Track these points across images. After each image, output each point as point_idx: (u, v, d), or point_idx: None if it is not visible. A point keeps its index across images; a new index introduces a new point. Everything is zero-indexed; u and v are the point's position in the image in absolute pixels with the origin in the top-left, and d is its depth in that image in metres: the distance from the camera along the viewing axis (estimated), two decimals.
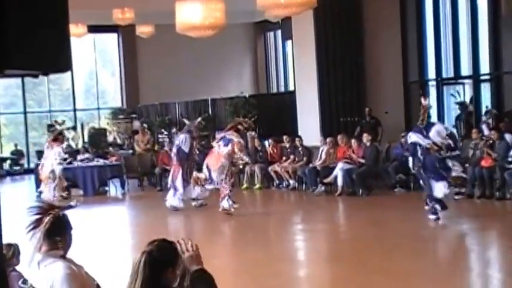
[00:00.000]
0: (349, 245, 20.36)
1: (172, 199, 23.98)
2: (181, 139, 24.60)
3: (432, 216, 20.08)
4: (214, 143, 24.33)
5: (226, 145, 23.41)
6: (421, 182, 20.90)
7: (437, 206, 20.02)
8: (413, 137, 21.16)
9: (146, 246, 6.82)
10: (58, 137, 30.79)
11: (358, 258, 17.84)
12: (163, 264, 6.75)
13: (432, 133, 20.09)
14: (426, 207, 20.38)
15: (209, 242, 20.37)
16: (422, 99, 24.31)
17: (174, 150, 24.82)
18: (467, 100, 30.06)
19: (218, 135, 25.00)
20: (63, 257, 8.73)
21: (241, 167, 25.84)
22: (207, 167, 23.68)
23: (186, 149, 24.22)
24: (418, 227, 20.44)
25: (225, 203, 22.67)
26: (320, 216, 24.62)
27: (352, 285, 14.31)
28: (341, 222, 24.53)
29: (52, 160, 27.67)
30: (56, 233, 8.68)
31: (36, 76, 4.40)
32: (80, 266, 8.82)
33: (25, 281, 8.92)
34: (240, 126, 24.30)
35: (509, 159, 24.14)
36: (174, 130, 35.30)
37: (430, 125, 20.64)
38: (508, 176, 23.78)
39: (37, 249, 8.77)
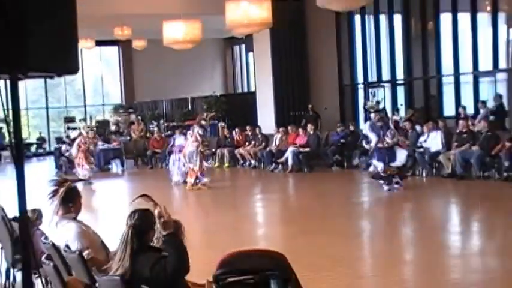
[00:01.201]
0: (298, 210, 20.38)
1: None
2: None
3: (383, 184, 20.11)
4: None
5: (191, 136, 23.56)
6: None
7: (380, 179, 20.07)
8: (367, 128, 21.30)
9: (128, 218, 6.83)
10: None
11: (304, 220, 17.83)
12: (145, 230, 6.77)
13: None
14: (380, 181, 20.39)
15: (186, 208, 20.45)
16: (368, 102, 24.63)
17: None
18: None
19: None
20: (75, 219, 8.75)
21: (207, 151, 25.49)
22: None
23: None
24: (351, 196, 20.51)
25: (191, 180, 22.75)
26: (275, 188, 24.63)
27: (300, 242, 14.26)
28: (291, 192, 24.57)
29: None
30: (69, 200, 8.75)
31: (52, 77, 4.38)
32: (88, 226, 8.88)
33: (46, 238, 8.87)
34: (202, 122, 24.49)
35: (419, 144, 24.24)
36: (162, 121, 35.15)
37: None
38: (418, 156, 23.90)
39: (55, 213, 8.80)
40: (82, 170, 26.33)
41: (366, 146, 22.12)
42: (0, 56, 3.99)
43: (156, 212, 6.89)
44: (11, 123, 4.21)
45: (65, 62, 4.14)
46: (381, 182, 20.37)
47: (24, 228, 4.73)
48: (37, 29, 3.95)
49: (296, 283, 6.07)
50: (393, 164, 20.13)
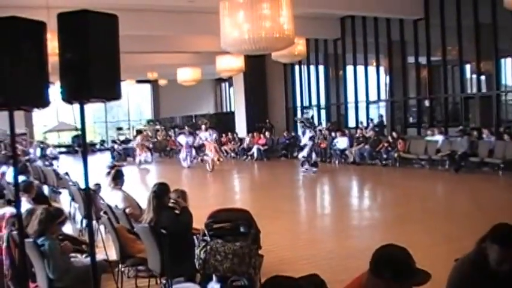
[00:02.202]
0: (259, 185, 20.49)
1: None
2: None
3: (313, 169, 20.07)
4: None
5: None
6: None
7: (312, 166, 20.07)
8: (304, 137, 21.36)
9: (152, 187, 6.94)
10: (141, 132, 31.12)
11: (263, 189, 17.96)
12: (161, 194, 6.81)
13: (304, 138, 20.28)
14: (306, 166, 20.39)
15: (191, 182, 20.44)
16: (298, 118, 24.71)
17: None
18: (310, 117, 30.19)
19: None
20: (121, 189, 8.81)
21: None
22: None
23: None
24: (295, 177, 20.54)
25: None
26: (245, 170, 24.66)
27: (258, 205, 14.31)
28: (255, 173, 24.56)
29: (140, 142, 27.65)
30: (117, 177, 8.80)
31: (104, 102, 4.42)
32: (129, 193, 8.93)
33: (104, 200, 8.95)
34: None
35: (333, 144, 24.38)
36: (176, 130, 35.07)
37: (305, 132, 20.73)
38: (333, 152, 24.02)
39: (109, 185, 8.85)
40: (141, 156, 26.86)
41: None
42: (73, 89, 4.08)
43: (174, 195, 7.05)
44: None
45: (112, 92, 4.19)
46: (305, 167, 20.46)
47: (88, 195, 4.82)
48: (95, 72, 4.00)
49: (256, 228, 6.16)
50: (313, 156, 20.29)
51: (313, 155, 20.77)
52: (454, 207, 13.57)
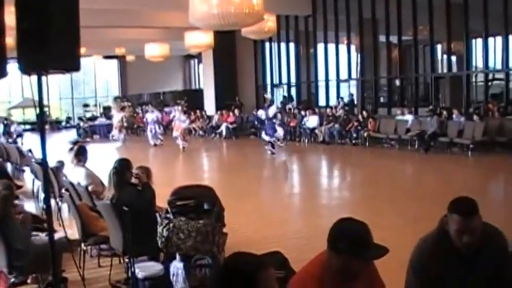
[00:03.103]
0: (227, 164, 20.48)
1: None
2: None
3: (271, 150, 20.07)
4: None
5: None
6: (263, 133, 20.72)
7: (271, 147, 20.06)
8: (260, 112, 21.22)
9: (114, 163, 6.90)
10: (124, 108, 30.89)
11: (231, 167, 17.94)
12: (123, 172, 6.73)
13: (270, 110, 20.09)
14: (266, 147, 20.36)
15: (157, 159, 20.32)
16: (265, 95, 24.62)
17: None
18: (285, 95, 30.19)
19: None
20: (84, 165, 8.70)
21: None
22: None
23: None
24: (263, 156, 20.53)
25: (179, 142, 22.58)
26: (213, 149, 24.61)
27: (226, 184, 14.32)
28: (223, 152, 24.52)
29: (117, 119, 27.49)
30: (80, 154, 8.68)
31: (63, 73, 4.33)
32: (92, 171, 8.82)
33: (66, 177, 8.85)
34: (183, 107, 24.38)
35: (303, 123, 24.42)
36: (144, 107, 34.81)
37: (269, 106, 20.57)
38: (302, 130, 24.08)
39: (71, 161, 8.75)
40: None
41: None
42: (30, 60, 3.99)
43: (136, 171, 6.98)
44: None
45: (72, 64, 4.10)
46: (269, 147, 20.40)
47: (45, 171, 4.75)
48: (55, 43, 3.91)
49: (219, 205, 6.13)
50: (276, 135, 20.21)
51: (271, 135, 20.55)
52: (423, 187, 13.68)
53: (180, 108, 24.23)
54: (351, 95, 26.72)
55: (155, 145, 24.84)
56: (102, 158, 16.43)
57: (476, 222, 3.44)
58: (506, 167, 16.36)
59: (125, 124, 28.65)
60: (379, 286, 3.53)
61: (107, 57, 38.63)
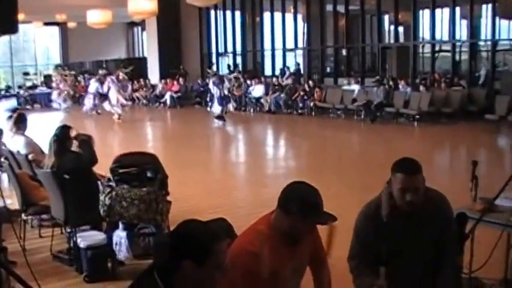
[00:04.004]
0: (171, 134, 20.39)
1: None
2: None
3: (220, 122, 19.98)
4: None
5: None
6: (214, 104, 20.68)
7: (220, 119, 20.03)
8: (211, 84, 21.12)
9: (54, 130, 6.82)
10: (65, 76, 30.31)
11: (175, 137, 17.84)
12: (63, 138, 6.67)
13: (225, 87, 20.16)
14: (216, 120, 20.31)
15: (98, 127, 20.09)
16: (209, 70, 24.62)
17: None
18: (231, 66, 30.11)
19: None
20: (23, 134, 8.56)
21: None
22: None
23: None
24: (209, 125, 20.50)
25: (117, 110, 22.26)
26: (157, 118, 24.48)
27: (170, 154, 14.26)
28: (168, 121, 24.41)
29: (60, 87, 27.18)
30: (19, 122, 8.53)
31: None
32: (32, 138, 8.69)
33: (5, 145, 8.69)
34: (120, 75, 23.85)
35: (248, 92, 24.44)
36: (86, 75, 34.23)
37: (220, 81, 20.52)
38: (248, 100, 24.11)
39: (10, 130, 8.60)
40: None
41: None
42: None
43: (74, 131, 6.88)
44: None
45: (7, 25, 3.99)
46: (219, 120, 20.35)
47: None
48: None
49: (163, 172, 6.12)
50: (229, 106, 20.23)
51: (220, 106, 20.49)
52: (369, 157, 13.88)
53: (121, 76, 23.89)
54: (297, 64, 26.82)
55: (98, 113, 24.48)
56: (43, 127, 16.12)
57: (419, 180, 3.53)
58: (451, 137, 16.72)
59: (67, 93, 28.16)
60: (321, 253, 3.62)
61: (47, 23, 37.81)
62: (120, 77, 23.81)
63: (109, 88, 23.04)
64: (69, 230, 6.51)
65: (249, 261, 3.11)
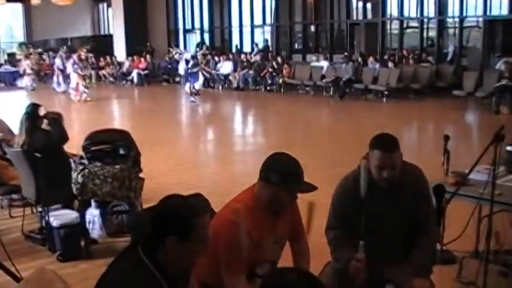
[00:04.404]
0: (139, 111, 20.25)
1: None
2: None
3: (192, 99, 19.88)
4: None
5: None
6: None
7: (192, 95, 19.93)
8: (183, 61, 21.00)
9: (25, 108, 6.77)
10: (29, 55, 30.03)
11: (143, 118, 17.74)
12: (35, 117, 6.61)
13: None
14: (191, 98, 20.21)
15: (68, 106, 19.93)
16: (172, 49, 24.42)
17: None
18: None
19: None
20: None
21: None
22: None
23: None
24: (177, 102, 20.41)
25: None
26: (124, 96, 24.25)
27: (138, 132, 14.14)
28: (135, 98, 24.23)
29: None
30: None
31: None
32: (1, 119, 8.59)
33: None
34: (82, 54, 23.44)
35: (216, 69, 24.41)
36: (51, 53, 33.79)
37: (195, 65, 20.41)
38: (216, 77, 24.06)
39: None
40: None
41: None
42: None
43: (43, 109, 6.82)
44: None
45: None
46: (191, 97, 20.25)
47: None
48: None
49: (136, 150, 6.10)
50: (196, 85, 20.09)
51: (193, 83, 20.40)
52: (338, 133, 14.00)
53: (82, 54, 23.54)
54: (266, 40, 26.80)
55: (64, 92, 24.21)
56: (9, 106, 16.05)
57: (396, 157, 3.58)
58: (419, 113, 16.91)
59: (32, 71, 27.81)
60: (300, 227, 3.67)
61: (10, 0, 37.27)
62: (83, 57, 23.44)
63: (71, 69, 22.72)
64: (40, 209, 6.47)
65: (232, 231, 3.17)
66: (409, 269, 3.62)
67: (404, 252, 3.76)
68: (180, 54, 21.65)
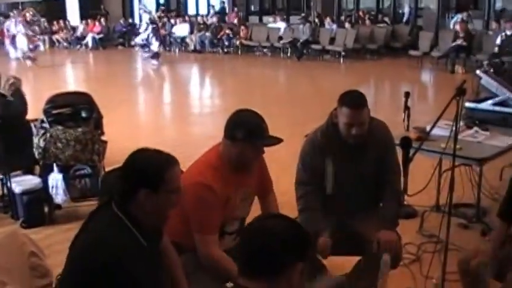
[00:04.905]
0: (95, 75, 20.00)
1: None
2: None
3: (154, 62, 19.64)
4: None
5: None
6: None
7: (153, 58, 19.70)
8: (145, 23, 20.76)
9: None
10: None
11: (100, 82, 17.53)
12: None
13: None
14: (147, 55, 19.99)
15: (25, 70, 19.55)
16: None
17: None
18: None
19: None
20: None
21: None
22: None
23: None
24: (133, 66, 20.19)
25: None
26: (80, 60, 23.90)
27: (96, 95, 13.94)
28: (91, 62, 23.88)
29: None
30: None
31: None
32: None
33: None
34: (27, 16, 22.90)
35: (173, 32, 24.18)
36: (1, 18, 33.00)
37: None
38: (173, 39, 23.85)
39: None
40: None
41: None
42: None
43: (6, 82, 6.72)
44: None
45: None
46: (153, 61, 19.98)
47: None
48: None
49: (98, 112, 6.06)
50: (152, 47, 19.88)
51: (154, 44, 20.20)
52: (297, 93, 14.06)
53: (28, 16, 23.00)
54: (222, 2, 26.62)
55: (18, 58, 23.70)
56: None
57: (364, 115, 3.64)
58: (376, 72, 17.09)
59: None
60: (268, 182, 3.72)
61: None
62: (28, 18, 22.89)
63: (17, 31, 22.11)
64: (1, 176, 6.39)
65: (201, 191, 3.19)
66: (376, 222, 3.72)
67: (371, 205, 3.86)
68: (146, 12, 21.28)
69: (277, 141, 3.29)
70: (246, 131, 3.23)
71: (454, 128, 3.72)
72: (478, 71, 6.35)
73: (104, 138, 6.12)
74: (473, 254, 3.68)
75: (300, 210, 3.86)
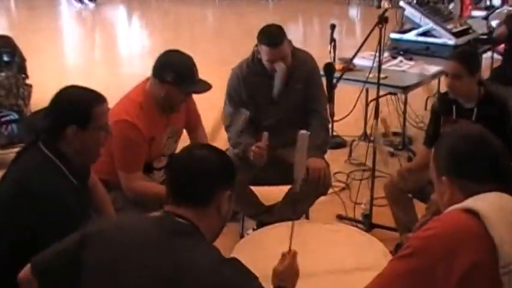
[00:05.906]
0: (16, 20, 19.39)
1: None
2: None
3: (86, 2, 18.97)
4: None
5: None
6: None
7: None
8: None
9: None
10: None
11: (21, 26, 17.05)
12: None
13: None
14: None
15: None
16: None
17: None
18: None
19: None
20: None
21: None
22: None
23: None
24: (57, 9, 19.61)
25: None
26: (2, 3, 23.10)
27: (17, 41, 13.60)
28: (11, 8, 23.08)
29: None
30: None
31: None
32: None
33: None
34: None
35: None
36: None
37: None
38: None
39: None
40: None
41: None
42: None
43: None
44: None
45: None
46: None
47: None
48: None
49: (20, 55, 5.94)
50: None
51: None
52: (225, 30, 14.04)
53: None
54: None
55: None
56: None
57: (284, 49, 3.70)
58: (304, 8, 17.14)
59: None
60: (196, 117, 3.74)
61: None
62: None
63: None
64: None
65: (125, 129, 3.19)
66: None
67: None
68: None
69: (207, 87, 3.29)
70: (175, 75, 3.21)
71: (378, 55, 3.81)
72: (401, 2, 6.44)
73: (28, 82, 6.01)
74: (398, 177, 3.82)
75: (229, 139, 3.91)
